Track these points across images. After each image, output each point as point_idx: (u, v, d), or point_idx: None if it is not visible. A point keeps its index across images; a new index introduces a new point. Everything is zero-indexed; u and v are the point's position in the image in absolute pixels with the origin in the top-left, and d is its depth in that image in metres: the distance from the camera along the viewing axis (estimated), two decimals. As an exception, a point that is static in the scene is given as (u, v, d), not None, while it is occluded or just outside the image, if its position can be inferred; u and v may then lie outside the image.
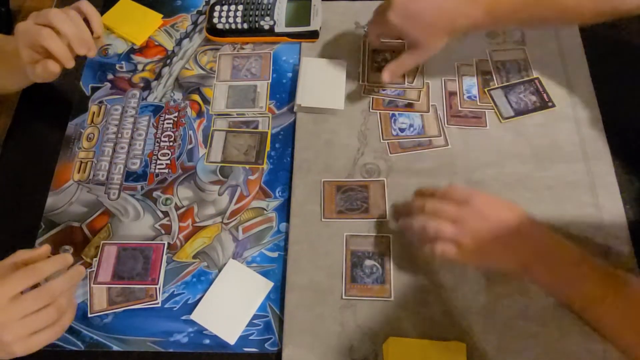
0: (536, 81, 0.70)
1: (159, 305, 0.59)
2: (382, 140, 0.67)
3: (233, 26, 0.75)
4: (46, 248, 0.56)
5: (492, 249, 0.53)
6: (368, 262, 0.60)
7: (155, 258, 0.61)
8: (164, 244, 0.61)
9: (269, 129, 0.69)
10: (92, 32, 0.63)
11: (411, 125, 0.67)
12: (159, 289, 0.60)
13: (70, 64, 0.62)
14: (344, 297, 0.58)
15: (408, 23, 0.61)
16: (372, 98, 0.71)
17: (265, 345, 0.57)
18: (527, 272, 0.53)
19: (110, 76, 0.75)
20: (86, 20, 0.63)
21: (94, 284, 0.60)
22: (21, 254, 0.53)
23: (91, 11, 0.64)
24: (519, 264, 0.52)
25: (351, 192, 0.63)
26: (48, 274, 0.53)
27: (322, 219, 0.62)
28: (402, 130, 0.67)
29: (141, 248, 0.62)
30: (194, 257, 0.62)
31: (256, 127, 0.70)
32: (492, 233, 0.52)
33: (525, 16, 0.59)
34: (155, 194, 0.66)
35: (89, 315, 0.58)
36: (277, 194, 0.65)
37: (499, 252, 0.53)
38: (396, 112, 0.69)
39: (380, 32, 0.68)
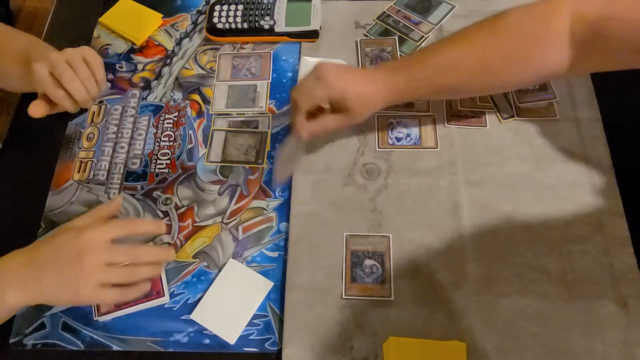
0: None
1: (168, 301, 0.59)
2: (377, 149, 0.67)
3: (233, 26, 0.75)
4: (120, 198, 0.59)
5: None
6: (368, 262, 0.60)
7: None
8: None
9: (269, 128, 0.69)
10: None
11: (408, 135, 0.67)
12: (165, 285, 0.59)
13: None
14: (344, 296, 0.58)
15: (345, 84, 0.59)
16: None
17: (265, 345, 0.57)
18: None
19: (110, 76, 0.75)
20: None
21: (98, 316, 0.58)
22: (102, 209, 0.56)
23: (94, 62, 0.64)
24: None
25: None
26: (142, 232, 0.56)
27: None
28: (398, 139, 0.67)
29: None
30: (194, 256, 0.62)
31: (256, 127, 0.70)
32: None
33: (425, 92, 0.60)
34: (155, 193, 0.66)
35: (95, 319, 0.58)
36: (277, 194, 0.65)
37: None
38: (394, 121, 0.68)
39: (312, 103, 0.60)
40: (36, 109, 0.63)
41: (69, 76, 0.61)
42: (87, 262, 0.50)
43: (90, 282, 0.50)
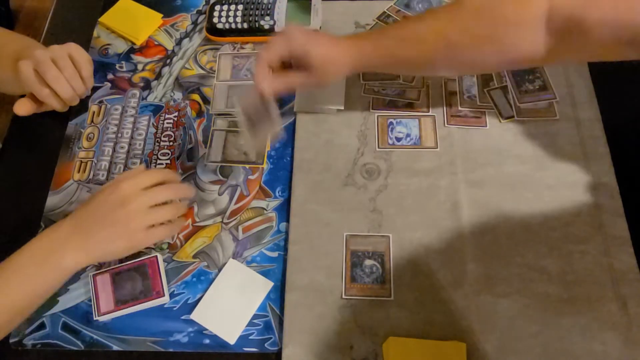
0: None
1: (168, 301, 0.59)
2: (377, 149, 0.67)
3: (233, 26, 0.75)
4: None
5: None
6: (368, 262, 0.60)
7: (152, 272, 0.60)
8: (156, 256, 0.61)
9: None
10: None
11: (408, 135, 0.67)
12: (165, 285, 0.59)
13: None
14: (343, 296, 0.58)
15: (310, 44, 0.57)
16: (372, 98, 0.71)
17: (265, 345, 0.57)
18: None
19: (110, 76, 0.75)
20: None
21: (98, 316, 0.58)
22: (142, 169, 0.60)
23: (80, 59, 0.64)
24: None
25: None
26: (172, 179, 0.60)
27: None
28: (398, 139, 0.67)
29: (135, 267, 0.60)
30: (194, 256, 0.62)
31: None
32: None
33: (413, 52, 0.57)
34: (155, 193, 0.66)
35: (95, 318, 0.58)
36: (277, 194, 0.65)
37: None
38: (394, 120, 0.68)
39: (274, 55, 0.58)
40: (22, 107, 0.63)
41: (53, 74, 0.61)
42: (132, 210, 0.54)
43: (140, 226, 0.55)
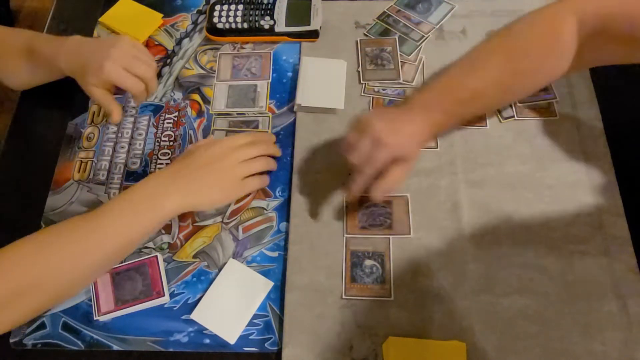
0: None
1: (168, 301, 0.59)
2: None
3: (233, 26, 0.75)
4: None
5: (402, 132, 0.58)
6: (368, 262, 0.60)
7: (152, 272, 0.60)
8: (156, 255, 0.61)
9: (268, 128, 0.69)
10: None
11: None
12: (165, 285, 0.59)
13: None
14: (343, 296, 0.58)
15: (402, 140, 0.58)
16: (372, 98, 0.71)
17: (265, 345, 0.57)
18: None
19: (110, 76, 0.75)
20: None
21: (98, 316, 0.58)
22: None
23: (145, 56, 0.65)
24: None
25: (374, 207, 0.63)
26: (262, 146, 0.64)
27: (345, 235, 0.61)
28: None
29: (135, 267, 0.60)
30: (194, 256, 0.62)
31: (256, 127, 0.70)
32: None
33: (478, 106, 0.63)
34: (155, 193, 0.66)
35: (95, 318, 0.58)
36: (277, 194, 0.65)
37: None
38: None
39: (378, 168, 0.58)
40: (118, 113, 0.65)
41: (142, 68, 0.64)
42: (228, 164, 0.60)
43: (235, 178, 0.60)
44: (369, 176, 0.58)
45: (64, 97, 0.73)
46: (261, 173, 0.64)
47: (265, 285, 0.60)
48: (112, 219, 0.55)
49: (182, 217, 0.64)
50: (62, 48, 0.64)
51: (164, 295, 0.58)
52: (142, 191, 0.57)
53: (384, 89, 0.71)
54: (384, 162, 0.57)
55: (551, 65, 0.58)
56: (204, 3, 0.81)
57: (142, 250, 0.62)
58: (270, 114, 0.70)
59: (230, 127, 0.70)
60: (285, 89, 0.73)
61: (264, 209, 0.64)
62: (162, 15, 0.79)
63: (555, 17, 0.57)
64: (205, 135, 0.70)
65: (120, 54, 0.62)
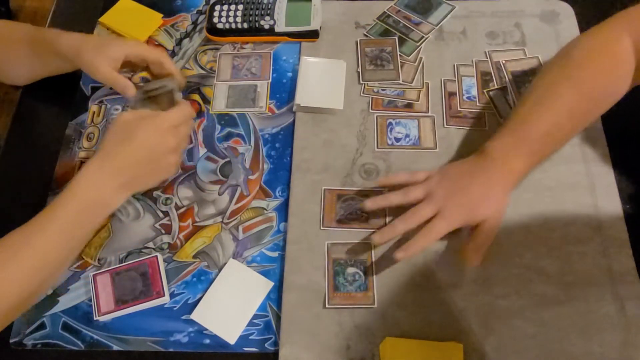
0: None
1: (168, 301, 0.59)
2: (376, 150, 0.67)
3: (233, 26, 0.75)
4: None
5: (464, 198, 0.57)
6: (350, 270, 0.59)
7: (152, 272, 0.60)
8: (156, 256, 0.61)
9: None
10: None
11: (407, 136, 0.67)
12: (165, 285, 0.60)
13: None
14: (327, 306, 0.57)
15: (462, 207, 0.57)
16: (372, 98, 0.71)
17: (265, 345, 0.57)
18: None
19: (110, 76, 0.75)
20: None
21: (98, 316, 0.58)
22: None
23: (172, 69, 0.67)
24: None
25: (352, 201, 0.63)
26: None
27: (322, 227, 0.62)
28: (397, 140, 0.67)
29: (135, 267, 0.60)
30: (194, 256, 0.62)
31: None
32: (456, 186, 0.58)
33: (556, 141, 0.60)
34: (155, 193, 0.66)
35: (95, 318, 0.58)
36: (277, 194, 0.65)
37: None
38: (393, 121, 0.68)
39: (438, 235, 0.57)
40: (131, 87, 0.65)
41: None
42: (162, 151, 0.58)
43: (170, 164, 0.60)
44: (410, 228, 0.57)
45: (64, 97, 0.73)
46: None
47: (265, 285, 0.60)
48: (58, 230, 0.53)
49: (182, 217, 0.64)
50: (66, 33, 0.65)
51: (164, 296, 0.59)
52: (86, 196, 0.55)
53: (383, 90, 0.71)
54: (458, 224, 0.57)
55: (616, 87, 0.60)
56: (204, 3, 0.81)
57: (142, 250, 0.62)
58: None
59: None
60: (285, 89, 0.73)
61: (264, 209, 0.64)
62: (162, 15, 0.79)
63: (611, 40, 0.59)
64: (205, 136, 0.70)
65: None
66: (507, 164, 0.58)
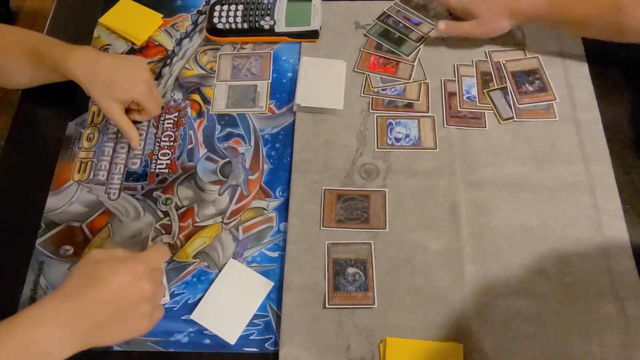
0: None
1: (168, 301, 0.59)
2: (376, 150, 0.67)
3: (233, 26, 0.75)
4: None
5: None
6: (350, 270, 0.59)
7: None
8: None
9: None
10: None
11: (407, 136, 0.67)
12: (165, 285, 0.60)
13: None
14: (327, 306, 0.57)
15: (472, 2, 0.67)
16: (372, 98, 0.71)
17: (266, 345, 0.57)
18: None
19: (110, 76, 0.75)
20: None
21: None
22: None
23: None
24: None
25: (352, 201, 0.63)
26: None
27: (322, 227, 0.62)
28: (397, 140, 0.67)
29: None
30: (194, 257, 0.62)
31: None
32: None
33: (584, 11, 0.62)
34: (155, 193, 0.66)
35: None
36: (277, 194, 0.65)
37: None
38: (393, 121, 0.68)
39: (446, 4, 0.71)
40: (137, 138, 0.68)
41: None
42: (131, 300, 0.49)
43: (142, 315, 0.50)
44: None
45: (64, 98, 0.73)
46: None
47: (265, 286, 0.60)
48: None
49: (182, 217, 0.64)
50: (74, 56, 0.64)
51: (164, 296, 0.59)
52: (25, 339, 0.44)
53: (383, 90, 0.71)
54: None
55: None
56: (204, 3, 0.81)
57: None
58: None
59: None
60: (285, 89, 0.73)
61: (264, 209, 0.64)
62: (162, 15, 0.79)
63: None
64: (205, 136, 0.70)
65: (150, 77, 0.67)
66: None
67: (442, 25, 0.69)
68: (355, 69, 0.72)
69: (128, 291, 0.48)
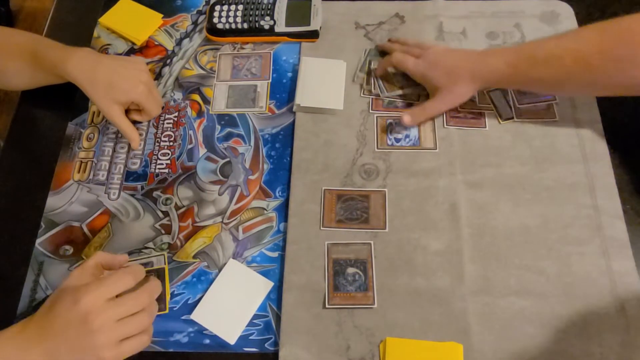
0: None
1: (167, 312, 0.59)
2: (376, 150, 0.67)
3: (233, 26, 0.75)
4: (125, 257, 0.56)
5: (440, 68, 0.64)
6: (350, 270, 0.59)
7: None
8: (163, 268, 0.61)
9: (165, 264, 0.61)
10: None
11: (407, 136, 0.67)
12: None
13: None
14: (327, 306, 0.58)
15: (430, 68, 0.65)
16: (372, 99, 0.71)
17: (265, 345, 0.57)
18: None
19: (110, 76, 0.75)
20: None
21: None
22: (102, 256, 0.54)
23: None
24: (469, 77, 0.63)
25: (352, 201, 0.63)
26: (141, 278, 0.52)
27: (322, 227, 0.62)
28: (397, 140, 0.67)
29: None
30: (194, 257, 0.62)
31: (151, 267, 0.61)
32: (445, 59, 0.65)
33: (549, 72, 0.58)
34: (155, 193, 0.66)
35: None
36: (277, 194, 0.65)
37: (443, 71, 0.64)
38: (393, 121, 0.68)
39: (406, 68, 0.68)
40: (138, 140, 0.68)
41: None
42: (97, 327, 0.47)
43: (110, 342, 0.48)
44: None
45: (64, 97, 0.73)
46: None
47: (265, 286, 0.60)
48: None
49: (182, 217, 0.64)
50: (73, 58, 0.64)
51: (165, 310, 0.59)
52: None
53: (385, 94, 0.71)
54: (410, 68, 0.66)
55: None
56: (204, 3, 0.81)
57: (143, 250, 0.62)
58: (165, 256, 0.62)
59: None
60: (285, 89, 0.73)
61: (264, 209, 0.64)
62: (162, 15, 0.80)
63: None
64: (205, 136, 0.70)
65: (149, 78, 0.67)
66: (488, 59, 0.62)
67: (407, 117, 0.65)
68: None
69: (84, 316, 0.47)
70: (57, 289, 0.50)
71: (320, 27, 0.76)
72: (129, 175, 0.67)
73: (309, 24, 0.75)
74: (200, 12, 0.80)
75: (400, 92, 0.70)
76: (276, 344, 0.57)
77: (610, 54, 0.55)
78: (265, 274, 0.61)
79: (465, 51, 0.67)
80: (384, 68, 0.70)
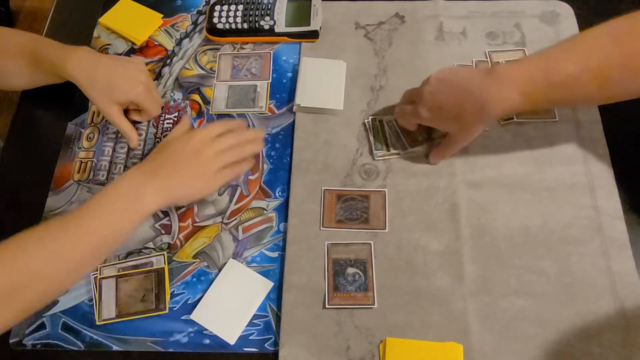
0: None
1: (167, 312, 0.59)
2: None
3: (233, 26, 0.75)
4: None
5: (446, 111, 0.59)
6: (350, 270, 0.59)
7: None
8: (163, 268, 0.61)
9: (165, 264, 0.62)
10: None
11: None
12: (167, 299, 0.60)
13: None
14: (327, 306, 0.58)
15: (437, 116, 0.60)
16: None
17: (265, 345, 0.57)
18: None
19: (110, 76, 0.75)
20: None
21: (99, 322, 0.58)
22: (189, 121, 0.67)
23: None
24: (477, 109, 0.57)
25: (352, 201, 0.63)
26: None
27: (322, 227, 0.62)
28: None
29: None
30: (194, 257, 0.62)
31: (151, 267, 0.62)
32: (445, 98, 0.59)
33: (567, 95, 0.55)
34: (155, 194, 0.66)
35: (98, 324, 0.58)
36: (277, 194, 0.65)
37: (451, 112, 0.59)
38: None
39: (414, 122, 0.64)
40: (137, 138, 0.69)
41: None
42: (204, 157, 0.59)
43: (211, 170, 0.60)
44: (410, 119, 0.63)
45: (64, 98, 0.73)
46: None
47: (265, 286, 0.60)
48: (93, 220, 0.53)
49: (182, 217, 0.64)
50: (72, 58, 0.64)
51: (165, 311, 0.59)
52: (121, 190, 0.56)
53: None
54: (418, 114, 0.61)
55: None
56: (204, 3, 0.81)
57: (142, 250, 0.62)
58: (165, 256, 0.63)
59: (120, 272, 0.61)
60: (285, 89, 0.73)
61: (264, 209, 0.64)
62: (162, 15, 0.79)
63: None
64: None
65: (149, 78, 0.67)
66: (508, 92, 0.54)
67: (433, 160, 0.64)
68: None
69: (191, 151, 0.59)
70: (162, 142, 0.62)
71: (320, 27, 0.76)
72: (129, 175, 0.67)
73: (309, 24, 0.75)
74: (200, 12, 0.80)
75: (422, 145, 0.66)
76: (276, 344, 0.57)
77: (630, 65, 0.52)
78: (265, 274, 0.60)
79: (467, 82, 0.58)
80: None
